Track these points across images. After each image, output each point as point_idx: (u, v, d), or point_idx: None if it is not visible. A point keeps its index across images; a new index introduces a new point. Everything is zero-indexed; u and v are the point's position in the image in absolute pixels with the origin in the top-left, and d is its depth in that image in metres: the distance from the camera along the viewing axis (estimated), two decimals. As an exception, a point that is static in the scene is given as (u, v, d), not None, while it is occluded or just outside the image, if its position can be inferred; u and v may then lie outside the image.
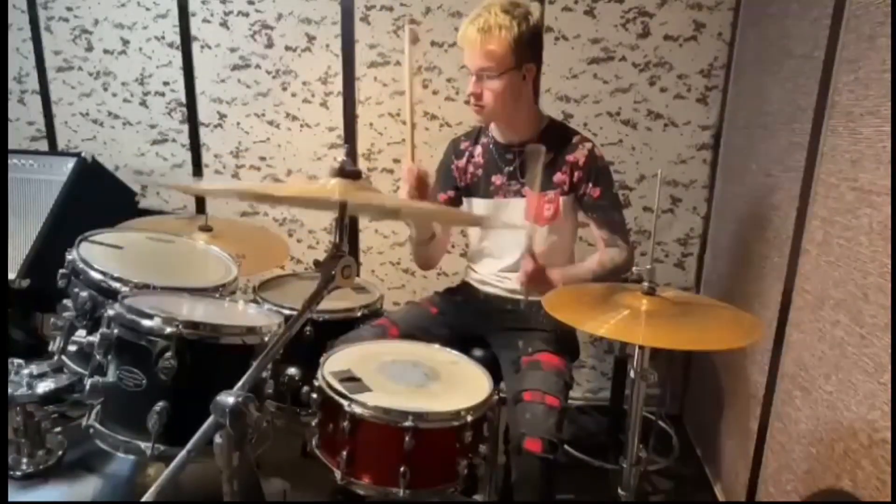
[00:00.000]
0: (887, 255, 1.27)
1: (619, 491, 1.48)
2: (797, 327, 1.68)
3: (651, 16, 2.45)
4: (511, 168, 1.80)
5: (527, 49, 1.63)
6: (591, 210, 1.77)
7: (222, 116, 2.73)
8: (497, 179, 1.81)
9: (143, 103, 2.76)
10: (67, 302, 1.50)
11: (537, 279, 1.65)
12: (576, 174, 1.74)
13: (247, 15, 2.61)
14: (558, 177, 1.75)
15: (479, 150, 1.86)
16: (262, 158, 2.75)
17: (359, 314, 1.81)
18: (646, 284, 1.36)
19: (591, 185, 1.74)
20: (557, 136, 1.78)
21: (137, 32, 2.68)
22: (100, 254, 1.57)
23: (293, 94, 2.67)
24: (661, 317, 1.31)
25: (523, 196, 1.78)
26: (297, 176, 2.74)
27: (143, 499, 0.97)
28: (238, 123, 2.72)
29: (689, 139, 2.55)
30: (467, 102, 2.57)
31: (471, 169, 1.86)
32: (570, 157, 1.74)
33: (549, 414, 1.48)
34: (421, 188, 1.69)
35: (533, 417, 1.47)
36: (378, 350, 1.57)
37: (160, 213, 2.62)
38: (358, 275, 2.52)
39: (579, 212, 1.82)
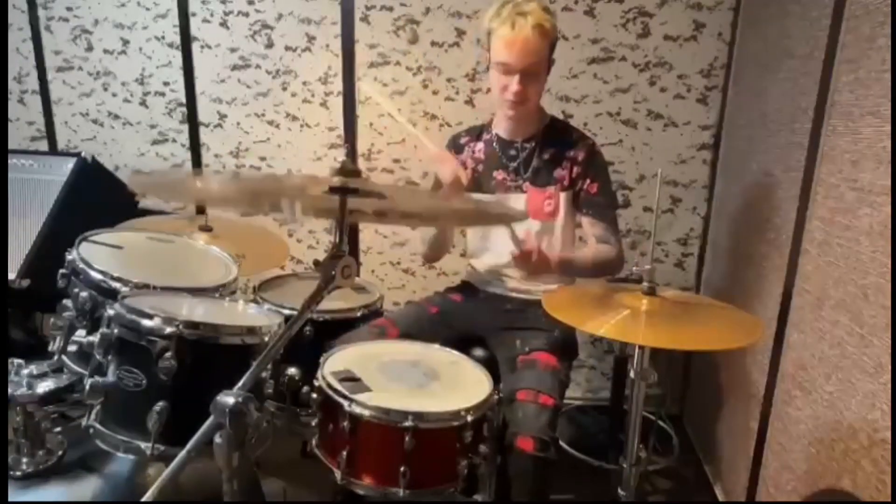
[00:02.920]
0: (887, 255, 1.27)
1: (619, 491, 1.48)
2: (797, 327, 1.68)
3: (651, 16, 2.45)
4: (514, 164, 1.80)
5: (555, 44, 1.71)
6: (586, 206, 1.78)
7: (222, 116, 2.73)
8: (499, 175, 1.82)
9: (143, 103, 2.76)
10: (67, 302, 1.50)
11: (531, 257, 1.62)
12: (575, 170, 1.75)
13: (247, 15, 2.61)
14: (559, 172, 1.76)
15: (480, 145, 1.86)
16: (262, 158, 2.75)
17: (359, 314, 1.81)
18: (646, 284, 1.36)
19: (588, 180, 1.75)
20: (559, 132, 1.80)
21: (137, 32, 2.68)
22: (100, 254, 1.57)
23: (293, 94, 2.67)
24: (661, 317, 1.31)
25: (524, 192, 1.79)
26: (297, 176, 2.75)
27: (143, 499, 0.97)
28: (238, 123, 2.72)
29: (689, 139, 2.55)
30: (467, 103, 2.60)
31: (471, 164, 1.86)
32: (570, 153, 1.75)
33: (541, 413, 1.48)
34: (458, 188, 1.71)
35: (525, 416, 1.47)
36: (378, 350, 1.57)
37: (160, 213, 2.62)
38: (358, 275, 2.52)
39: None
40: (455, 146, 1.90)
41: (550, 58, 1.71)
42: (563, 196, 1.77)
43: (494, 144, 1.84)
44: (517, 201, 1.80)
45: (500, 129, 1.84)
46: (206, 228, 2.04)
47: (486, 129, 1.88)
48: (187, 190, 1.30)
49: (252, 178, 1.26)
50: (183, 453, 0.97)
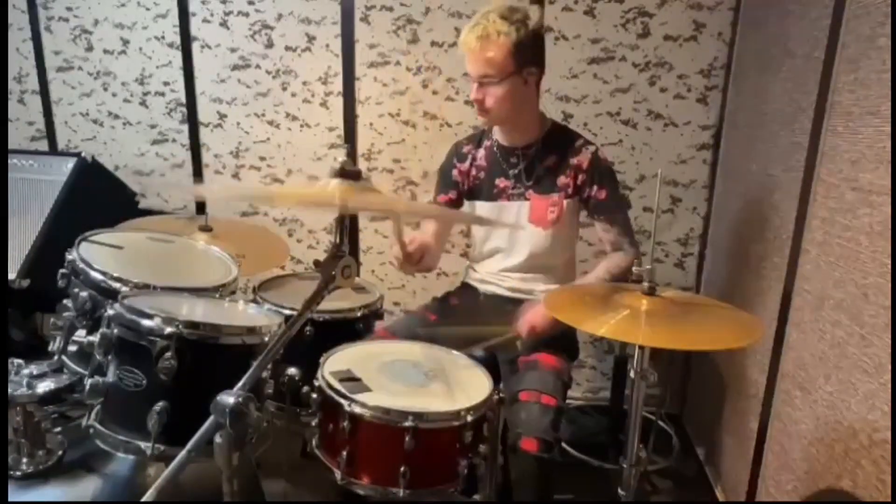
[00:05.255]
0: (887, 255, 1.27)
1: (619, 491, 1.47)
2: (797, 327, 1.68)
3: (651, 16, 2.45)
4: (515, 171, 1.79)
5: (527, 53, 1.63)
6: (597, 212, 1.77)
7: (222, 116, 2.73)
8: (501, 182, 1.81)
9: (143, 103, 2.76)
10: (67, 302, 1.50)
11: (537, 329, 1.61)
12: (580, 177, 1.74)
13: (247, 15, 2.61)
14: (562, 180, 1.75)
15: (481, 153, 1.86)
16: (262, 158, 2.75)
17: (359, 314, 1.81)
18: (646, 284, 1.36)
19: (596, 187, 1.74)
20: (561, 139, 1.78)
21: (137, 32, 2.69)
22: (100, 254, 1.57)
23: (293, 94, 2.67)
24: (661, 317, 1.31)
25: (527, 199, 1.78)
26: (298, 176, 2.75)
27: (143, 499, 0.97)
28: (238, 123, 2.73)
29: (689, 139, 2.55)
30: (467, 103, 2.60)
31: (473, 172, 1.86)
32: (573, 161, 1.74)
33: (544, 413, 1.48)
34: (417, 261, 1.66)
35: (528, 417, 1.47)
36: (378, 350, 1.56)
37: (160, 213, 2.62)
38: (358, 275, 2.52)
39: (581, 214, 1.83)
40: (458, 155, 1.90)
41: (522, 68, 1.63)
42: (566, 203, 1.77)
43: (495, 150, 1.83)
44: (520, 209, 1.80)
45: (500, 135, 1.83)
46: (206, 228, 2.04)
47: (487, 136, 1.87)
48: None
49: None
50: (183, 453, 0.97)
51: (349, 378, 1.37)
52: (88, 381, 1.31)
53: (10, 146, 2.67)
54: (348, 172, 1.06)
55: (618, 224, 1.78)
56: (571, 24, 2.47)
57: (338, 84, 2.63)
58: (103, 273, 1.47)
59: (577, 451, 2.40)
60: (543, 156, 1.77)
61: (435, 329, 1.74)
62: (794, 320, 1.70)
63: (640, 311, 1.32)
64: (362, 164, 2.67)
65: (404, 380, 1.41)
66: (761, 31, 2.16)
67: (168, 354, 1.24)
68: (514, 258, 1.83)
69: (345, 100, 2.64)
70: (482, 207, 1.85)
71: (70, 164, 2.30)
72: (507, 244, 1.83)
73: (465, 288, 1.96)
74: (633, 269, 1.43)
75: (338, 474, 1.29)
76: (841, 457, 1.40)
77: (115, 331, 1.29)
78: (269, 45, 2.63)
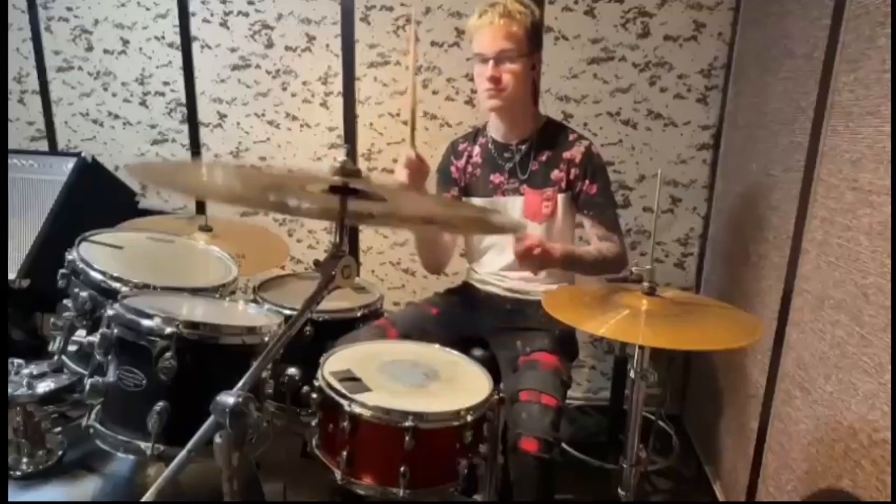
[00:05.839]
0: (887, 255, 1.27)
1: (619, 491, 1.47)
2: (797, 327, 1.68)
3: (651, 16, 2.45)
4: (510, 165, 1.80)
5: (537, 39, 1.72)
6: (587, 207, 1.78)
7: (222, 116, 2.73)
8: (496, 178, 1.82)
9: (143, 103, 2.76)
10: (67, 302, 1.50)
11: (533, 252, 1.59)
12: (572, 171, 1.75)
13: (247, 15, 2.61)
14: (555, 174, 1.76)
15: (477, 149, 1.87)
16: (262, 158, 2.75)
17: (359, 314, 1.81)
18: (646, 284, 1.36)
19: (587, 181, 1.75)
20: (555, 134, 1.79)
21: (137, 32, 2.69)
22: (100, 254, 1.57)
23: (293, 94, 2.67)
24: (661, 317, 1.31)
25: (522, 194, 1.79)
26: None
27: (143, 499, 0.97)
28: (238, 123, 2.73)
29: (689, 139, 2.55)
30: (468, 103, 2.60)
31: (469, 169, 1.87)
32: (566, 155, 1.75)
33: (545, 413, 1.48)
34: (419, 176, 1.69)
35: (529, 417, 1.47)
36: (378, 350, 1.56)
37: (160, 213, 2.62)
38: (358, 275, 2.52)
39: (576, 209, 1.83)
40: (454, 153, 1.91)
41: (533, 51, 1.71)
42: (560, 197, 1.77)
43: (490, 146, 1.84)
44: (514, 204, 1.80)
45: (495, 131, 1.84)
46: (206, 228, 2.04)
47: (482, 133, 1.88)
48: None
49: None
50: (183, 453, 0.97)
51: (349, 378, 1.37)
52: (88, 381, 1.31)
53: (10, 146, 2.67)
54: (348, 172, 1.05)
55: (606, 221, 1.78)
56: (571, 24, 2.48)
57: (338, 84, 2.63)
58: (103, 273, 1.47)
59: (577, 451, 2.40)
60: (537, 151, 1.78)
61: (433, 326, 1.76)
62: (794, 320, 1.70)
63: (640, 311, 1.32)
64: (362, 164, 2.67)
65: (404, 380, 1.41)
66: (761, 31, 2.16)
67: (168, 354, 1.24)
68: (508, 254, 1.83)
69: (345, 100, 2.64)
70: (477, 203, 1.85)
71: (70, 164, 2.30)
72: (501, 240, 1.83)
73: (466, 286, 1.96)
74: (633, 269, 1.43)
75: (338, 474, 1.29)
76: (841, 457, 1.40)
77: (115, 331, 1.29)
78: (269, 45, 2.63)
